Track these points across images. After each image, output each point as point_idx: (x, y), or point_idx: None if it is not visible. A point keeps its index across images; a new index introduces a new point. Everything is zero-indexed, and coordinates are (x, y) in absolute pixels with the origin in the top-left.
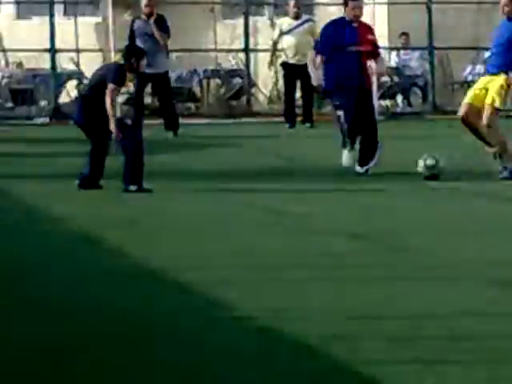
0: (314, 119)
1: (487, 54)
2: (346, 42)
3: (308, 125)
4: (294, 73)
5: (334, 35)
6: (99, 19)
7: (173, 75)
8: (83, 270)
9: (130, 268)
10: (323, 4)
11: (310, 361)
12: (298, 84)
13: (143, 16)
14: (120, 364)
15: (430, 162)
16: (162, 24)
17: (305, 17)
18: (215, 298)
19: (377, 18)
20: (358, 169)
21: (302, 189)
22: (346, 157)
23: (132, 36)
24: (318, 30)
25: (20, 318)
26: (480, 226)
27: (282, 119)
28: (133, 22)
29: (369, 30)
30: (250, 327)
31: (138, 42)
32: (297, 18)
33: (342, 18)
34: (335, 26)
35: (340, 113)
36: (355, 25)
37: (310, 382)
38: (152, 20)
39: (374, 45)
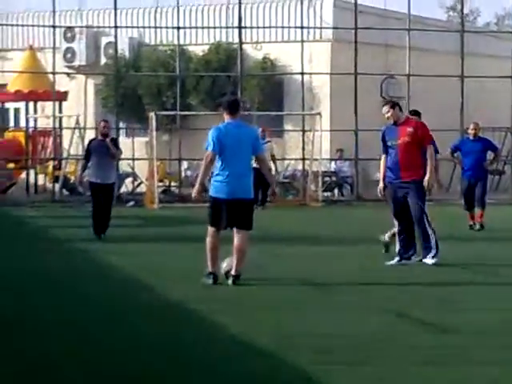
0: None
1: None
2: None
3: None
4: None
5: None
6: (147, 139)
7: None
8: None
9: None
10: None
11: None
12: None
13: (100, 136)
14: None
15: None
16: (115, 143)
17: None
18: None
19: (323, 140)
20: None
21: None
22: None
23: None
24: None
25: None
26: None
27: None
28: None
29: None
30: None
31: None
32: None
33: None
34: None
35: None
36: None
37: None
38: (108, 140)
39: None
